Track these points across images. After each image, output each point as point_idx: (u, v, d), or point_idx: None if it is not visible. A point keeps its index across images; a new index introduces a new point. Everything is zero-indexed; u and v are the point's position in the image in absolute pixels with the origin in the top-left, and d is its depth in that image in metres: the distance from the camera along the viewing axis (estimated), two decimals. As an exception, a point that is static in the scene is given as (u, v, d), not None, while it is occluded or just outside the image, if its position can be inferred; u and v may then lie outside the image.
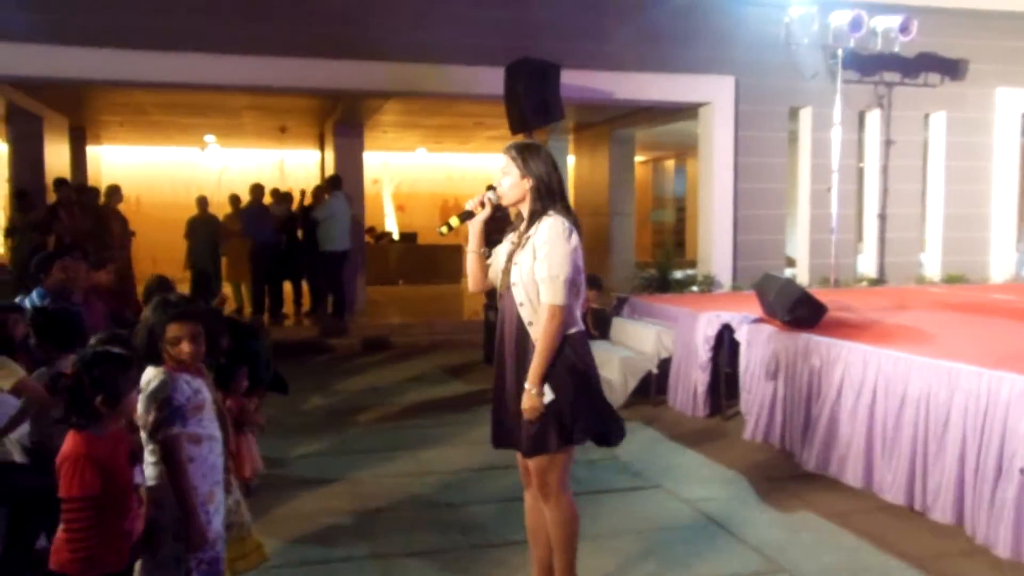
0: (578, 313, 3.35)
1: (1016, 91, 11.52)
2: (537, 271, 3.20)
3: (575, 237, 3.25)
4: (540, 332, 3.21)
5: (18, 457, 3.89)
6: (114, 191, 11.20)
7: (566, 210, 3.31)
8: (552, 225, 3.23)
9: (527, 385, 3.21)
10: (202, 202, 12.13)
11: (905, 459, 4.78)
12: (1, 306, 4.48)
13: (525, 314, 3.27)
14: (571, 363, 3.26)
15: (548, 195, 3.30)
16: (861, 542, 4.34)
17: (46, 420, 3.59)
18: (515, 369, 3.32)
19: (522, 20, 9.88)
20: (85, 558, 2.57)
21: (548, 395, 3.22)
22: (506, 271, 3.36)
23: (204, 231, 11.87)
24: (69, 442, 2.63)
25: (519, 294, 3.28)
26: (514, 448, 3.41)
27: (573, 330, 3.29)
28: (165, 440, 2.82)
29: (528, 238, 3.28)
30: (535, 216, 3.30)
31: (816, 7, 10.27)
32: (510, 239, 3.42)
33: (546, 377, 3.22)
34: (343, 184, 11.42)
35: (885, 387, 4.98)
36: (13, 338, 4.15)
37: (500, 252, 3.46)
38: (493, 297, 7.64)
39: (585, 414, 3.28)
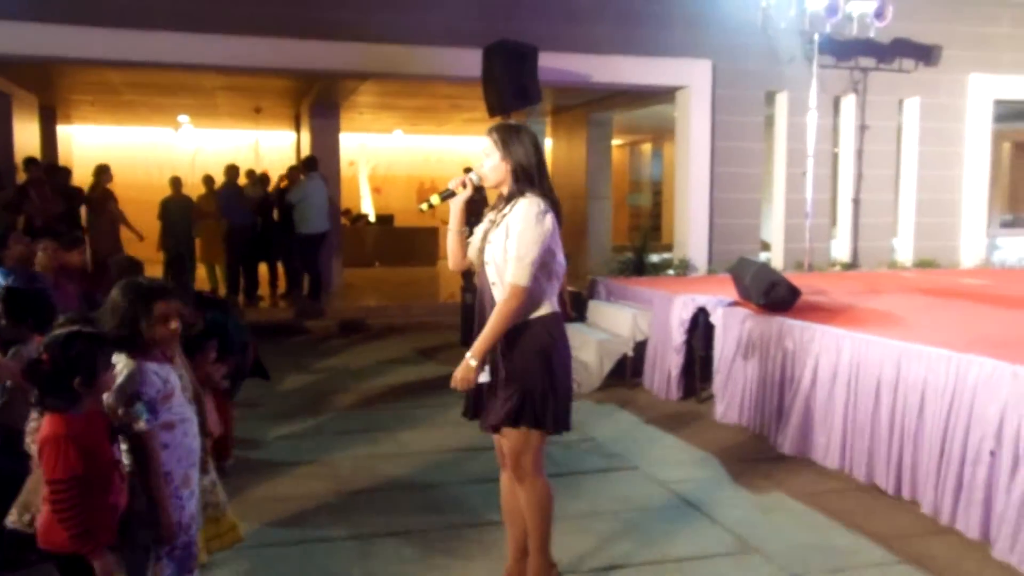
0: (554, 297, 3.36)
1: (988, 77, 11.63)
2: (508, 250, 3.23)
3: (549, 219, 3.26)
4: (497, 309, 3.23)
5: None
6: (103, 170, 11.08)
7: (544, 193, 3.32)
8: (526, 207, 3.25)
9: (467, 354, 3.25)
10: (176, 183, 12.00)
11: (876, 441, 4.86)
12: None
13: (497, 293, 3.29)
14: (544, 345, 3.29)
15: (526, 178, 3.31)
16: (832, 522, 4.41)
17: (17, 402, 3.55)
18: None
19: (499, 2, 9.84)
20: (81, 533, 2.58)
21: (484, 376, 3.27)
22: (480, 249, 3.39)
23: (178, 212, 11.75)
24: (48, 425, 2.62)
25: (491, 273, 3.32)
26: (486, 427, 3.43)
27: (546, 311, 3.32)
28: (135, 435, 2.80)
29: (503, 217, 3.30)
30: (512, 197, 3.32)
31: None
32: (489, 218, 3.43)
33: (495, 357, 3.26)
34: (319, 165, 11.36)
35: (858, 370, 5.05)
36: None
37: (478, 232, 3.48)
38: (469, 279, 7.65)
39: (554, 400, 3.30)
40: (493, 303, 3.30)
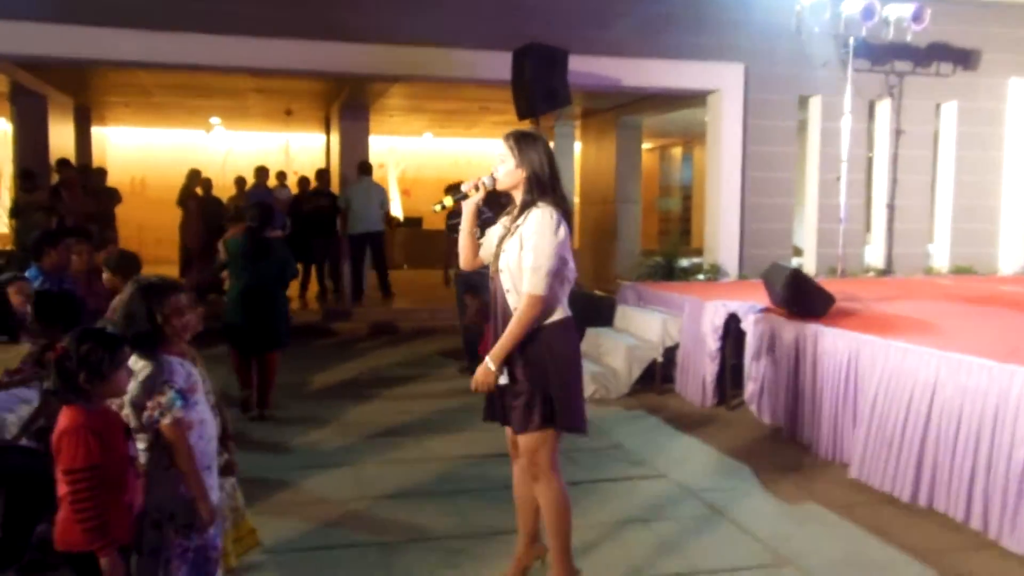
0: (565, 301, 3.45)
1: (1028, 81, 11.40)
2: (523, 260, 3.30)
3: (563, 229, 3.33)
4: (516, 316, 3.32)
5: (21, 440, 3.86)
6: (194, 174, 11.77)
7: (556, 202, 3.38)
8: (540, 217, 3.31)
9: (487, 359, 3.35)
10: (206, 183, 12.10)
11: (913, 452, 4.73)
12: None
13: (512, 300, 3.40)
14: (556, 349, 3.39)
15: (539, 187, 3.37)
16: (867, 535, 4.30)
17: (54, 405, 3.55)
18: None
19: (529, 5, 9.78)
20: (96, 527, 2.57)
21: (504, 378, 3.36)
22: (496, 256, 3.48)
23: (208, 210, 11.85)
24: (65, 417, 2.63)
25: (506, 281, 3.41)
26: (504, 424, 3.54)
27: (559, 316, 3.40)
28: (172, 424, 2.78)
29: (517, 227, 3.38)
30: (526, 206, 3.39)
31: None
32: (503, 223, 3.52)
33: (512, 360, 3.35)
34: (370, 170, 11.67)
35: (893, 379, 4.93)
36: (11, 309, 4.13)
37: (492, 234, 3.56)
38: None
39: (566, 401, 3.40)
40: (506, 308, 3.41)
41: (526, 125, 8.61)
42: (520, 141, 3.42)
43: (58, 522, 2.69)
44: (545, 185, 3.38)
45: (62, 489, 2.62)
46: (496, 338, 3.41)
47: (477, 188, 3.46)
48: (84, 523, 2.57)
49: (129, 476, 2.71)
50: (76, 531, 2.60)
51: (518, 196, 3.44)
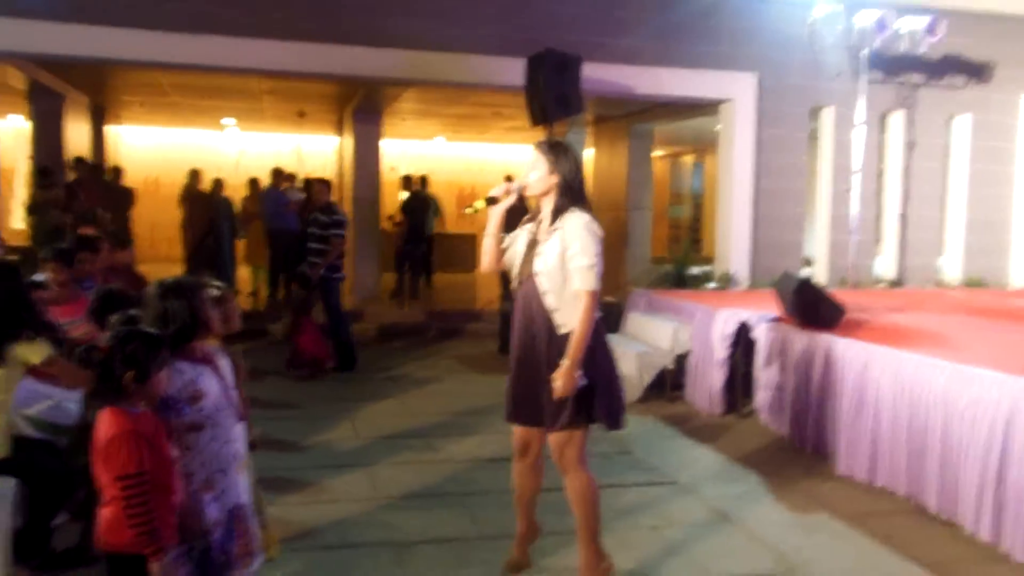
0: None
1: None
2: (573, 260, 3.46)
3: (600, 231, 3.56)
4: (571, 317, 3.46)
5: (30, 432, 3.89)
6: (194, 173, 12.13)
7: (588, 208, 3.58)
8: (582, 220, 3.51)
9: (566, 364, 3.42)
10: (217, 182, 12.15)
11: (924, 463, 4.75)
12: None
13: (550, 301, 3.50)
14: (599, 347, 3.57)
15: (571, 193, 3.56)
16: (878, 546, 4.32)
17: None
18: (546, 351, 3.54)
19: (543, 11, 9.81)
20: (149, 531, 2.56)
21: (583, 379, 3.47)
22: (527, 260, 3.59)
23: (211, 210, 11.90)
24: (110, 421, 2.61)
25: (544, 282, 3.52)
26: (532, 424, 3.67)
27: (597, 315, 3.56)
28: None
29: (555, 231, 3.52)
30: (560, 211, 3.55)
31: (841, 7, 10.18)
32: (528, 228, 3.67)
33: (552, 359, 3.49)
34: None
35: (904, 390, 4.95)
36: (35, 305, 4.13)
37: (517, 240, 3.69)
38: (508, 288, 7.65)
39: (608, 395, 3.59)
40: (542, 311, 3.52)
41: (540, 131, 8.66)
42: (553, 149, 3.59)
43: (103, 521, 2.65)
44: (576, 191, 3.56)
45: (110, 493, 2.61)
46: (528, 339, 3.58)
47: (508, 193, 3.61)
48: (137, 527, 2.55)
49: (175, 477, 2.72)
50: (128, 534, 2.58)
51: (546, 203, 3.58)
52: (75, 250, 5.09)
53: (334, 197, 9.31)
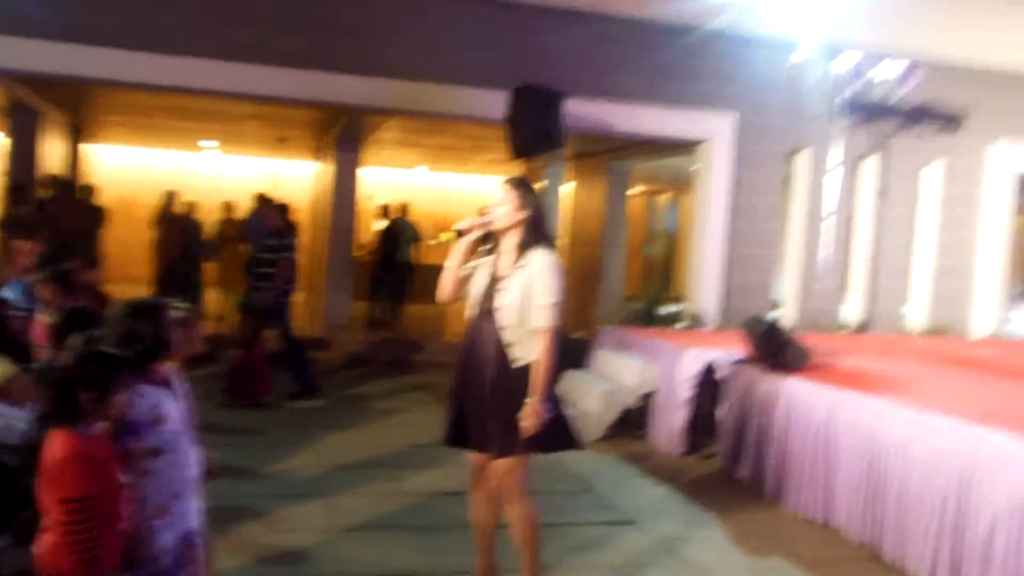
0: None
1: (1010, 147, 11.63)
2: (537, 298, 3.60)
3: (561, 269, 3.73)
4: (527, 351, 3.60)
5: None
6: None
7: (551, 244, 3.75)
8: (546, 258, 3.65)
9: (531, 401, 3.56)
10: (188, 205, 12.11)
11: (882, 509, 4.78)
12: None
13: (508, 335, 3.61)
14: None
15: (537, 230, 3.70)
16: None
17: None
18: (494, 382, 3.65)
19: (527, 45, 9.91)
20: (92, 559, 2.51)
21: (549, 411, 3.61)
22: (488, 296, 3.68)
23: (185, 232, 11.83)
24: (60, 443, 2.54)
25: (504, 317, 3.63)
26: (472, 449, 3.80)
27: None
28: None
29: (520, 268, 3.64)
30: (526, 247, 3.66)
31: (819, 53, 10.36)
32: (489, 261, 3.77)
33: (498, 388, 3.64)
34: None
35: (866, 435, 4.98)
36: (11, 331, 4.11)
37: (478, 273, 3.79)
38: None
39: (561, 426, 3.73)
40: (497, 344, 3.62)
41: (518, 166, 8.68)
42: (520, 187, 3.74)
43: (46, 548, 2.59)
44: (541, 229, 3.72)
45: (53, 517, 2.54)
46: (475, 368, 3.71)
47: (476, 227, 3.72)
48: (79, 554, 2.49)
49: (121, 504, 2.67)
50: (69, 560, 2.52)
51: (510, 237, 3.69)
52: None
53: (306, 223, 9.25)
